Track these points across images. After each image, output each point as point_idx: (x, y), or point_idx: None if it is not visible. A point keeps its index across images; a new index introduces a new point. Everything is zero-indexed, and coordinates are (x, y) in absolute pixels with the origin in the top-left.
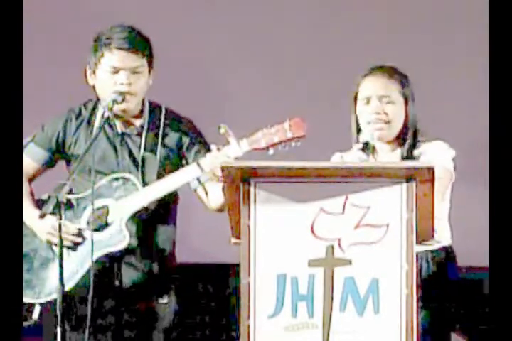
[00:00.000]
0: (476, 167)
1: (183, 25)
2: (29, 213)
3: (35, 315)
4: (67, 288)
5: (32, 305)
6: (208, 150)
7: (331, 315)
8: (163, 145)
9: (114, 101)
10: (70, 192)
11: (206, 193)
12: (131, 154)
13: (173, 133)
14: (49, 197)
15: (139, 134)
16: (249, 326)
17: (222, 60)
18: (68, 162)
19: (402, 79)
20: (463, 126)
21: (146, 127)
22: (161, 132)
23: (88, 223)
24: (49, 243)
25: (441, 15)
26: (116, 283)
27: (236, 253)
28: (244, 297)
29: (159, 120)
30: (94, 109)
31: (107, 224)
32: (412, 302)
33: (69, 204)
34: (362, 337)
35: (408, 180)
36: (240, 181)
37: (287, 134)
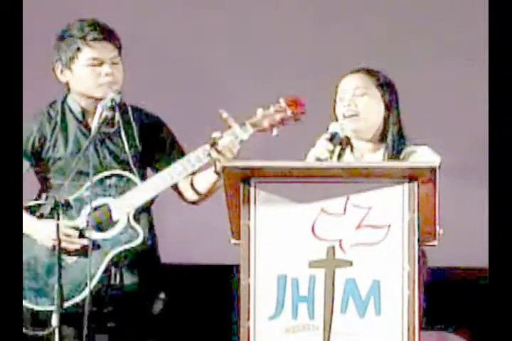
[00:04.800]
0: (476, 167)
1: (174, 20)
2: (27, 220)
3: (54, 322)
4: (86, 293)
5: (49, 313)
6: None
7: (331, 317)
8: (141, 140)
9: (113, 100)
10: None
11: (191, 183)
12: (111, 153)
13: (146, 128)
14: (46, 198)
15: (115, 132)
16: (249, 327)
17: (213, 54)
18: (40, 166)
19: (381, 78)
20: (463, 126)
21: (122, 124)
22: (135, 128)
23: (88, 224)
24: (54, 248)
25: (441, 15)
26: (113, 282)
27: (236, 253)
28: (244, 298)
29: (129, 116)
30: (63, 109)
31: (111, 223)
32: (413, 303)
33: (67, 205)
34: (363, 339)
35: (410, 180)
36: (240, 181)
37: (287, 112)
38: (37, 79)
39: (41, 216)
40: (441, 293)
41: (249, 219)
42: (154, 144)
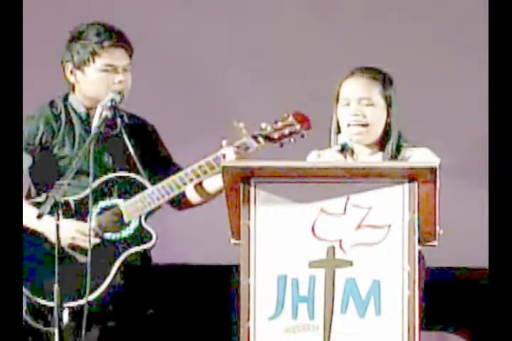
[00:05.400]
0: (476, 167)
1: (179, 22)
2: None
3: (65, 318)
4: (99, 292)
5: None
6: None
7: (331, 317)
8: (142, 143)
9: (113, 101)
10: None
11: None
12: (113, 155)
13: (141, 133)
14: (46, 198)
15: (117, 134)
16: (249, 328)
17: (216, 59)
18: (42, 164)
19: (384, 81)
20: (463, 126)
21: (123, 127)
22: (133, 132)
23: (100, 224)
24: (70, 247)
25: (441, 15)
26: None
27: (236, 254)
28: (244, 298)
29: (125, 120)
30: (66, 108)
31: (122, 224)
32: (414, 303)
33: (67, 205)
34: (363, 339)
35: (410, 180)
36: (240, 181)
37: (296, 127)
38: (37, 79)
39: (41, 215)
40: (441, 293)
41: (249, 219)
42: (148, 148)
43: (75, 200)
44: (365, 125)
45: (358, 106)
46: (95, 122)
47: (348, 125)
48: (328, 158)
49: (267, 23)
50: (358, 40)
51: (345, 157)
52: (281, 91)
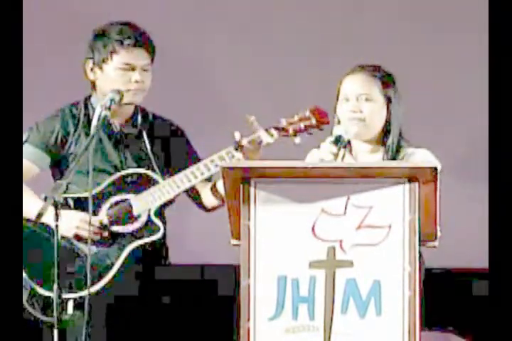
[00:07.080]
0: (476, 167)
1: (181, 23)
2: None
3: (70, 309)
4: (103, 283)
5: (65, 301)
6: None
7: (332, 318)
8: (161, 143)
9: (112, 100)
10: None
11: (212, 187)
12: (132, 153)
13: (164, 133)
14: (46, 198)
15: (138, 133)
16: (249, 328)
17: (221, 59)
18: (60, 162)
19: (385, 78)
20: (463, 125)
21: (144, 127)
22: (157, 133)
23: (110, 218)
24: (76, 238)
25: (441, 15)
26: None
27: (236, 254)
28: (244, 299)
29: (149, 121)
30: (86, 107)
31: (131, 218)
32: (414, 304)
33: (67, 205)
34: (363, 339)
35: (411, 180)
36: (240, 181)
37: (312, 121)
38: (37, 79)
39: (40, 216)
40: (441, 294)
41: (249, 219)
42: (171, 152)
43: (86, 197)
44: (362, 120)
45: (356, 102)
46: (94, 122)
47: (349, 120)
48: (320, 148)
49: (270, 23)
50: (358, 40)
51: (339, 149)
52: (285, 91)
